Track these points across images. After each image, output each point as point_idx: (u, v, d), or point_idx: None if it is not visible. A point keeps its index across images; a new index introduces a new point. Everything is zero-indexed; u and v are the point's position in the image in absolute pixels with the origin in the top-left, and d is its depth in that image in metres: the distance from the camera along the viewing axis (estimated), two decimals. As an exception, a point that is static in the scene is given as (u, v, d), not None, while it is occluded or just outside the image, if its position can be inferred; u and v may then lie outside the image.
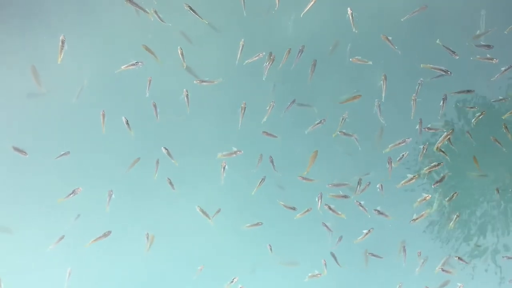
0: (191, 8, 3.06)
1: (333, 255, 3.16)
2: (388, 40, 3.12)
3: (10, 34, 3.01)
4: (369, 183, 3.18)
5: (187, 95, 3.08)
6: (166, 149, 3.08)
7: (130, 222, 3.08)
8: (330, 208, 3.14)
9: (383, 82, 3.12)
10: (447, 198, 3.20)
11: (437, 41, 3.14)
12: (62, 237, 2.98)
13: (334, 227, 3.17)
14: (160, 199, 3.11)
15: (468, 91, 3.18)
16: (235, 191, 3.14)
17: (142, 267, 3.09)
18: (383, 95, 3.14)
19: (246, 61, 3.12)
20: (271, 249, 3.13)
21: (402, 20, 3.15)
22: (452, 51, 3.12)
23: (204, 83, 3.10)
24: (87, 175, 3.04)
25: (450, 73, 3.14)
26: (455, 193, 3.20)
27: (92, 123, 3.05)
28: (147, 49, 3.05)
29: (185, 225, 3.13)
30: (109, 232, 3.02)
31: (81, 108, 3.05)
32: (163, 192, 3.10)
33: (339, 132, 3.15)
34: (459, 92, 3.17)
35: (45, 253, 2.98)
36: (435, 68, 3.13)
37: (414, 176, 3.16)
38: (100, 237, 3.00)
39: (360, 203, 3.15)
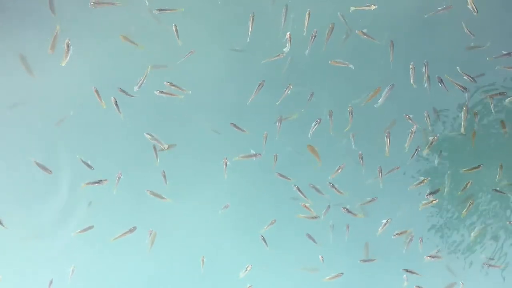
0: (161, 10, 3.05)
1: (309, 236, 3.13)
2: (364, 33, 3.09)
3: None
4: (399, 167, 3.16)
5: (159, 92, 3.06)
6: (150, 135, 3.06)
7: (132, 221, 3.08)
8: (298, 190, 3.12)
9: (391, 48, 3.10)
10: (461, 188, 3.19)
11: (446, 76, 3.15)
12: (91, 227, 3.01)
13: (339, 223, 3.17)
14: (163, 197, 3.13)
15: (501, 93, 3.19)
16: (239, 189, 3.16)
17: (144, 266, 3.11)
18: (391, 60, 3.12)
19: (264, 60, 3.12)
20: (264, 240, 3.12)
21: (425, 16, 3.14)
22: (464, 87, 3.13)
23: (173, 87, 3.07)
24: (89, 176, 3.05)
25: (468, 90, 3.14)
26: (469, 182, 3.17)
27: (93, 124, 3.07)
28: (126, 38, 3.03)
29: (187, 223, 3.14)
30: (135, 227, 3.04)
31: (84, 109, 3.07)
32: (166, 191, 3.12)
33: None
34: (492, 96, 3.17)
35: (46, 250, 3.03)
36: (454, 83, 3.13)
37: (424, 179, 3.16)
38: (126, 233, 3.03)
39: (332, 185, 3.13)
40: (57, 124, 3.04)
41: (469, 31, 3.12)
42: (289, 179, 3.13)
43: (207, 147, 3.15)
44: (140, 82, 3.04)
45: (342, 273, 3.13)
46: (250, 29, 3.09)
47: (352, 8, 3.09)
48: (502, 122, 3.21)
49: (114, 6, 3.04)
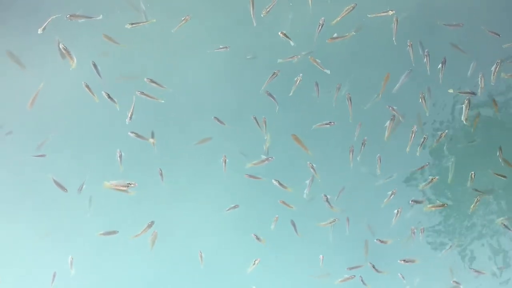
0: (133, 24, 3.05)
1: (293, 223, 3.13)
2: (334, 38, 3.09)
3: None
4: (428, 163, 3.16)
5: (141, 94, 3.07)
6: (134, 133, 3.06)
7: (131, 221, 3.09)
8: (280, 184, 3.11)
9: (395, 24, 3.09)
10: (469, 181, 3.16)
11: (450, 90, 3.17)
12: (116, 232, 3.04)
13: (339, 222, 3.16)
14: (164, 197, 3.13)
15: (472, 93, 3.16)
16: (239, 189, 3.16)
17: (144, 266, 3.11)
18: (394, 38, 3.11)
19: (279, 60, 3.12)
20: (257, 238, 3.11)
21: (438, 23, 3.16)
22: (472, 93, 3.14)
23: (153, 84, 3.07)
24: (89, 176, 3.07)
25: (475, 94, 3.15)
26: (472, 173, 3.16)
27: (93, 124, 3.09)
28: (107, 37, 3.03)
29: (187, 223, 3.14)
30: (152, 222, 3.06)
31: (85, 109, 3.09)
32: (166, 191, 3.12)
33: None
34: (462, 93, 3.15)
35: (46, 250, 3.04)
36: (462, 92, 3.14)
37: (433, 179, 3.15)
38: (145, 229, 3.04)
39: (312, 165, 3.12)
40: (39, 146, 3.05)
41: (494, 33, 3.12)
42: (260, 178, 3.13)
43: (207, 147, 3.15)
44: (130, 113, 3.05)
45: (354, 276, 3.13)
46: (251, 13, 3.08)
47: (369, 15, 3.10)
48: (493, 101, 3.18)
49: (111, 8, 3.07)
